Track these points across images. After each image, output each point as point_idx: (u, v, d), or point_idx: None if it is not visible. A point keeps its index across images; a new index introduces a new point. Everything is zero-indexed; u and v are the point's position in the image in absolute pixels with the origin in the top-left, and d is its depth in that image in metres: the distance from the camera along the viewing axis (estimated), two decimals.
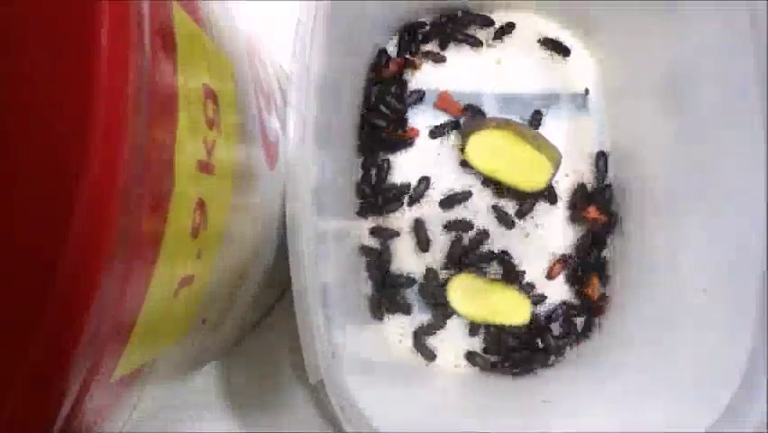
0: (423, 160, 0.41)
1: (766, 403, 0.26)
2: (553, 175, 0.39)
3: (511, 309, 0.39)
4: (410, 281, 0.40)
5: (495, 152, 0.39)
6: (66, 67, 0.12)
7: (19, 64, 0.12)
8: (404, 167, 0.41)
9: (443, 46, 0.42)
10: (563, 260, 0.40)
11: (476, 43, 0.42)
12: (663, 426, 0.29)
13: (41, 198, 0.12)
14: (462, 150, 0.40)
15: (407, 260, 0.41)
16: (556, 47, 0.42)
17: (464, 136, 0.40)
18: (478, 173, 0.40)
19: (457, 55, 0.42)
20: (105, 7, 0.12)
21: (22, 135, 0.12)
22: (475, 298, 0.39)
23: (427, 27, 0.42)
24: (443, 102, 0.42)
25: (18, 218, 0.12)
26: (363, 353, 0.36)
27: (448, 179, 0.41)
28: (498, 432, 0.32)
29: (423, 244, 0.40)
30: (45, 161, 0.12)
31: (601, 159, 0.41)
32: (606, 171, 0.41)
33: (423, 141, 0.42)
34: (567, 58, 0.42)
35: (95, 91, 0.12)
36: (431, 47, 0.42)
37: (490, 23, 0.42)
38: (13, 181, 0.12)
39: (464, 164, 0.41)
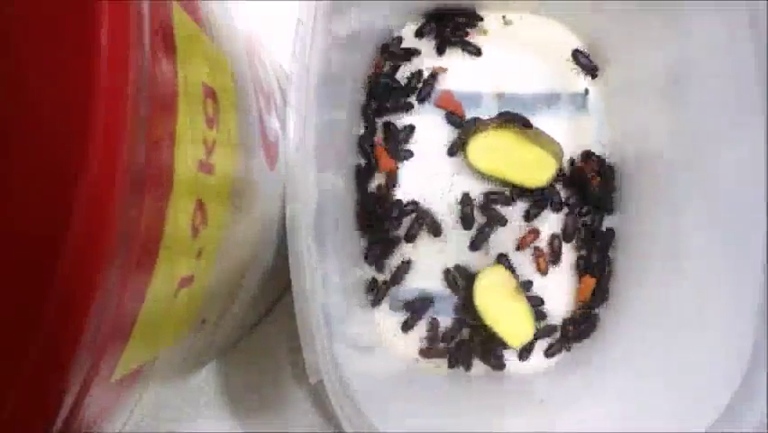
0: (423, 168, 0.41)
1: (766, 403, 0.26)
2: (557, 170, 0.39)
3: (515, 326, 0.38)
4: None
5: (496, 152, 0.39)
6: (66, 67, 0.12)
7: (19, 64, 0.12)
8: (404, 176, 0.41)
9: (442, 49, 0.42)
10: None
11: (475, 52, 0.42)
12: (663, 426, 0.29)
13: (40, 197, 0.12)
14: (464, 152, 0.40)
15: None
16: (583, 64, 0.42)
17: (465, 140, 0.40)
18: (478, 173, 0.40)
19: (457, 55, 0.42)
20: (104, 7, 0.12)
21: (21, 135, 0.12)
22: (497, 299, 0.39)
23: (428, 27, 0.42)
24: (445, 102, 0.41)
25: (17, 218, 0.12)
26: (364, 353, 0.36)
27: (447, 182, 0.41)
28: (497, 432, 0.32)
29: (435, 229, 0.40)
30: (45, 161, 0.12)
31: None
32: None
33: (421, 146, 0.41)
34: (568, 59, 0.42)
35: (95, 91, 0.12)
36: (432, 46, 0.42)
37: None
38: (13, 181, 0.12)
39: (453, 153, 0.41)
